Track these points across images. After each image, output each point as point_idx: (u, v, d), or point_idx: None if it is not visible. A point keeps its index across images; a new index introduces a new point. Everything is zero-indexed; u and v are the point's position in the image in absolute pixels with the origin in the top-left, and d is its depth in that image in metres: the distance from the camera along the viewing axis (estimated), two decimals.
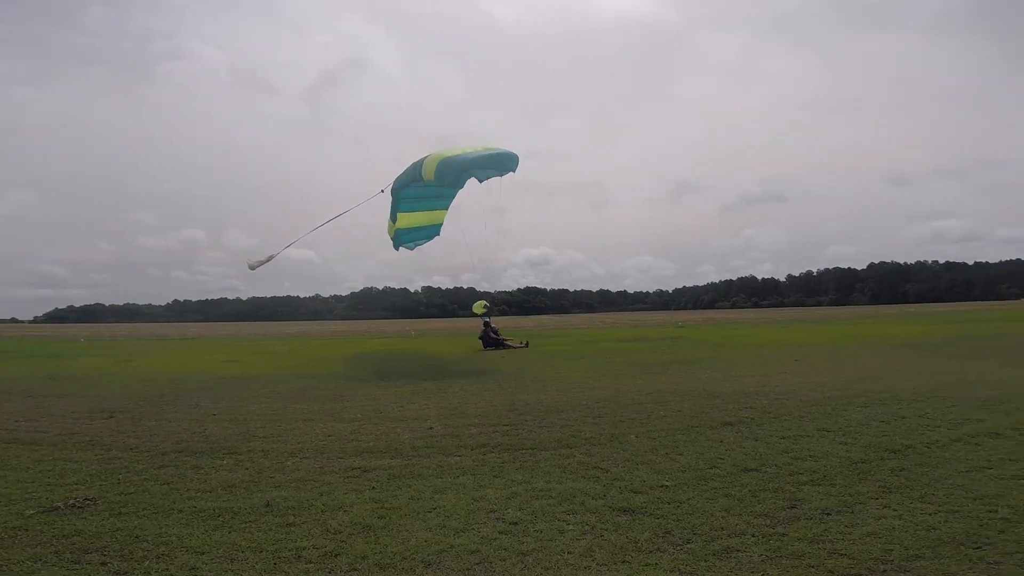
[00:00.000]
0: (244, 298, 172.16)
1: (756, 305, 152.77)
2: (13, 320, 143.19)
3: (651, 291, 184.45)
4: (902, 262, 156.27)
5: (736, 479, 5.54)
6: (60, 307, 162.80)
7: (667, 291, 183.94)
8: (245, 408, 10.60)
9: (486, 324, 24.88)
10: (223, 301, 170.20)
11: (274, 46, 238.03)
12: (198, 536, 4.50)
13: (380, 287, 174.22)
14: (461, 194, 19.00)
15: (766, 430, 7.60)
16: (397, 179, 19.65)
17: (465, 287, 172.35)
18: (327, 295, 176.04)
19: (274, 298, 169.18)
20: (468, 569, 3.80)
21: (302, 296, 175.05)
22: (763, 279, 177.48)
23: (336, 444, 7.58)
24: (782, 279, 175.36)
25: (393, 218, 22.07)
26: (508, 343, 24.41)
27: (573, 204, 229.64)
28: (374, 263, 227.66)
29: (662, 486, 5.38)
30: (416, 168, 18.49)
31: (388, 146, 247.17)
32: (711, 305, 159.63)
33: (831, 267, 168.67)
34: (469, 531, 4.44)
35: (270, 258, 21.94)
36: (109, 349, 31.32)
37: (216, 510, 5.09)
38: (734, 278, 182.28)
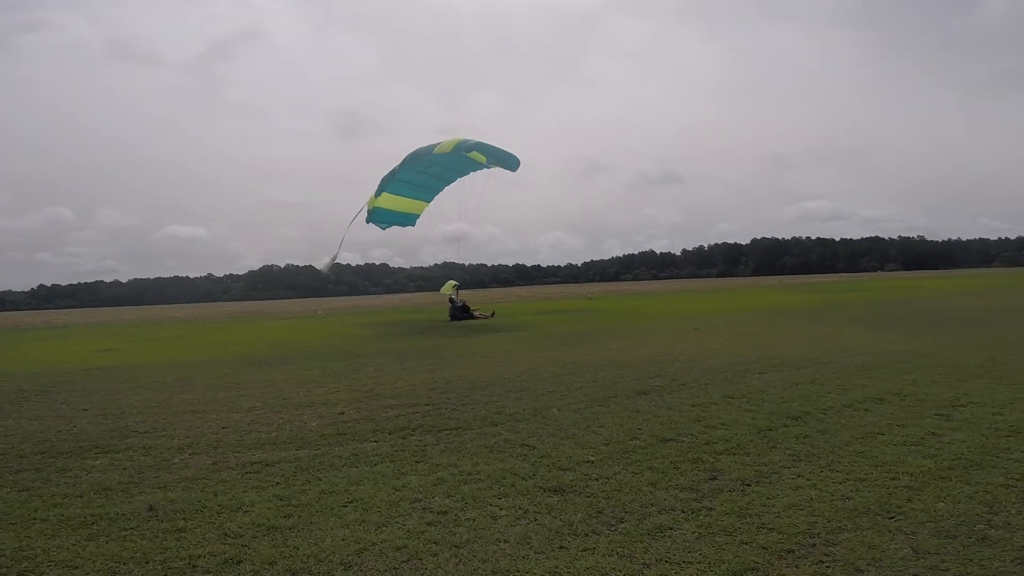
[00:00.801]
0: (124, 280, 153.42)
1: (655, 277, 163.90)
2: None
3: (562, 265, 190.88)
4: (780, 238, 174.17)
5: (656, 451, 5.63)
6: None
7: (576, 265, 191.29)
8: (122, 401, 9.27)
9: (452, 301, 25.93)
10: (99, 285, 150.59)
11: (158, 17, 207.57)
12: (68, 548, 3.86)
13: (282, 264, 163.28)
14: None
15: (677, 398, 7.91)
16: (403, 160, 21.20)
17: (377, 263, 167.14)
18: (221, 275, 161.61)
19: (159, 279, 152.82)
20: (395, 568, 3.45)
21: (192, 276, 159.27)
22: (661, 253, 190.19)
23: (232, 437, 6.78)
24: (678, 253, 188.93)
25: (377, 193, 22.70)
26: (476, 314, 25.32)
27: (489, 180, 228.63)
28: (273, 239, 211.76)
29: (588, 461, 5.35)
30: (427, 148, 20.52)
31: (289, 119, 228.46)
32: (615, 277, 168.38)
33: (720, 242, 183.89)
34: (392, 525, 4.07)
35: (335, 256, 21.44)
36: None
37: (89, 517, 4.39)
38: (636, 252, 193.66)
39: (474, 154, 19.90)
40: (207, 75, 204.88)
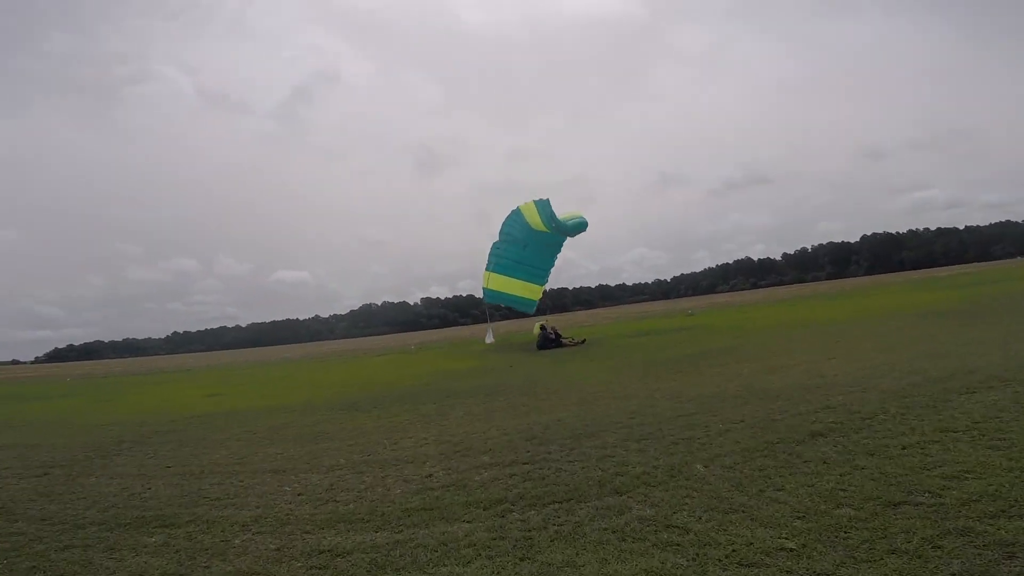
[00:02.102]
0: (244, 325, 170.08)
1: (755, 286, 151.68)
2: (14, 362, 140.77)
3: (650, 282, 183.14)
4: (895, 232, 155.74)
5: (888, 522, 3.71)
6: (60, 346, 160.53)
7: (665, 280, 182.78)
8: (207, 456, 8.71)
9: (543, 328, 25.14)
10: (223, 330, 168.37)
11: (241, 64, 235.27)
12: None
13: (378, 302, 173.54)
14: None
15: (871, 437, 5.75)
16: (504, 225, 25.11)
17: (464, 295, 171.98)
18: (326, 315, 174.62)
19: (273, 322, 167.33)
20: None
21: (301, 318, 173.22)
22: (759, 260, 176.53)
23: (306, 509, 5.69)
24: (778, 258, 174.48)
25: (488, 267, 26.15)
26: (565, 342, 24.23)
27: (560, 202, 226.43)
28: (368, 278, 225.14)
29: (785, 550, 3.52)
30: (519, 223, 24.66)
31: (369, 157, 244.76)
32: (711, 290, 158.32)
33: (824, 242, 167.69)
34: None
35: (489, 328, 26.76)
36: (93, 388, 29.18)
37: None
38: (730, 261, 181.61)
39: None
40: (292, 119, 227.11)
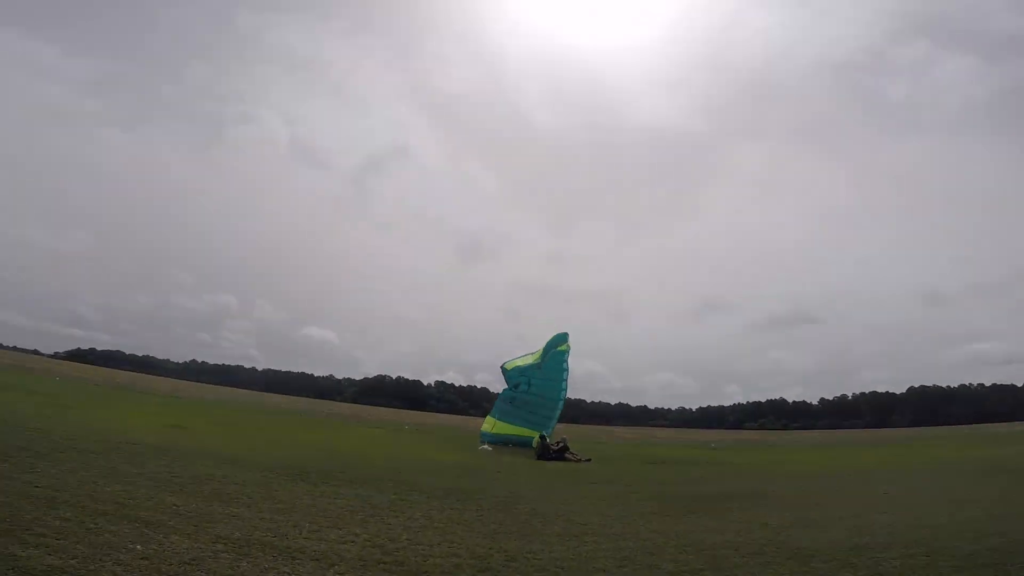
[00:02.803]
0: (260, 368, 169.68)
1: (786, 427, 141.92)
2: (35, 352, 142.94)
3: (673, 408, 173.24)
4: (945, 385, 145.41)
5: None
6: (83, 347, 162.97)
7: (690, 409, 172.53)
8: (100, 489, 7.10)
9: (543, 438, 22.93)
10: (239, 369, 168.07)
11: (332, 125, 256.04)
12: None
13: (393, 376, 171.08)
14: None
15: None
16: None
17: (479, 387, 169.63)
18: (340, 377, 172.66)
19: (288, 372, 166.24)
20: None
21: (316, 375, 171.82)
22: (794, 402, 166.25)
23: None
24: (814, 402, 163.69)
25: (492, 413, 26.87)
26: (568, 456, 21.53)
27: (594, 313, 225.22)
28: (391, 351, 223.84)
29: None
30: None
31: (416, 235, 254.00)
32: (737, 426, 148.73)
33: (867, 391, 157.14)
34: None
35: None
36: (68, 393, 27.71)
37: None
38: (762, 400, 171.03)
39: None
40: (360, 185, 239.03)
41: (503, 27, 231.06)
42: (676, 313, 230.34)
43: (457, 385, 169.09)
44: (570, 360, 26.52)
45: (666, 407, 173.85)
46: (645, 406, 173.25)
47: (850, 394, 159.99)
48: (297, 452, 15.28)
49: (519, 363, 26.52)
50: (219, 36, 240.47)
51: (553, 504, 10.46)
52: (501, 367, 26.87)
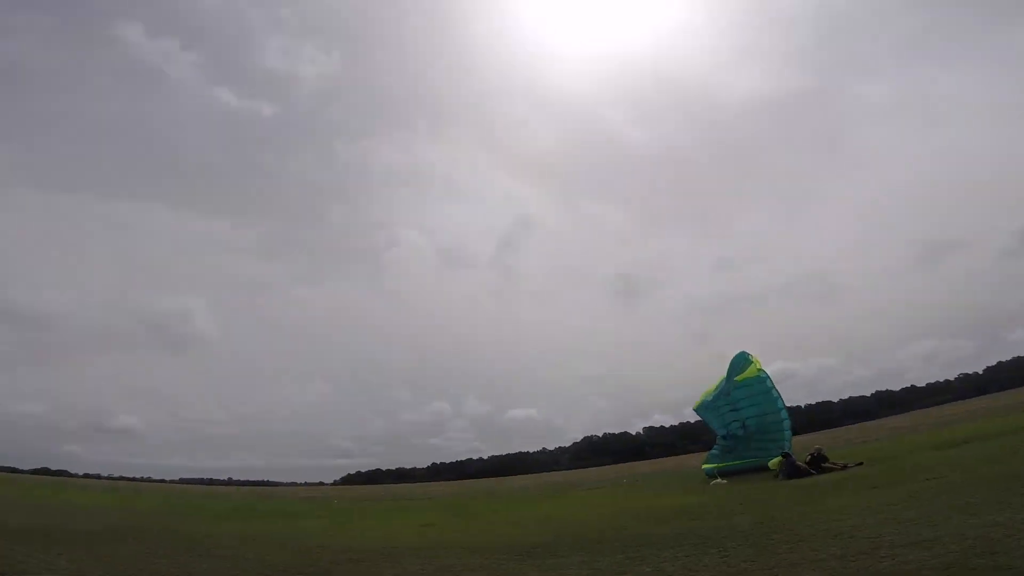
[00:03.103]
0: (486, 457, 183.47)
1: None
2: (320, 483, 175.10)
3: (952, 378, 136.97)
4: None
5: None
6: (351, 472, 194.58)
7: (975, 372, 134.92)
8: None
9: (786, 455, 19.79)
10: (469, 461, 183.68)
11: (459, 222, 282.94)
12: None
13: (600, 434, 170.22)
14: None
15: None
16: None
17: (692, 420, 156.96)
18: (552, 447, 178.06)
19: (508, 455, 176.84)
20: None
21: (531, 451, 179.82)
22: None
23: None
24: None
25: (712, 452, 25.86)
26: (830, 466, 18.44)
27: (795, 305, 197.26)
28: (589, 411, 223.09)
29: None
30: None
31: (570, 296, 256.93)
32: None
33: None
34: None
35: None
36: (345, 512, 32.31)
37: None
38: None
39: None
40: (504, 268, 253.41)
41: (559, 68, 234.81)
42: (897, 269, 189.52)
43: (667, 426, 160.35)
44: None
45: (943, 379, 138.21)
46: (913, 386, 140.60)
47: None
48: (524, 530, 15.30)
49: (707, 393, 24.65)
50: (333, 173, 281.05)
51: (821, 524, 8.52)
52: (695, 410, 25.57)
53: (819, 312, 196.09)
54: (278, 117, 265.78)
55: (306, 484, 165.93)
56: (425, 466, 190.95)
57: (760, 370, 23.65)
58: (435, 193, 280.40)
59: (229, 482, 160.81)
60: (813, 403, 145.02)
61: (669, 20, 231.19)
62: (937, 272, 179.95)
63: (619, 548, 9.43)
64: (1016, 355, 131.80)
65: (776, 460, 19.79)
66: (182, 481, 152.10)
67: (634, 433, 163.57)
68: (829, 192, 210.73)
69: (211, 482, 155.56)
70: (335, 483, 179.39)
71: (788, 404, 23.63)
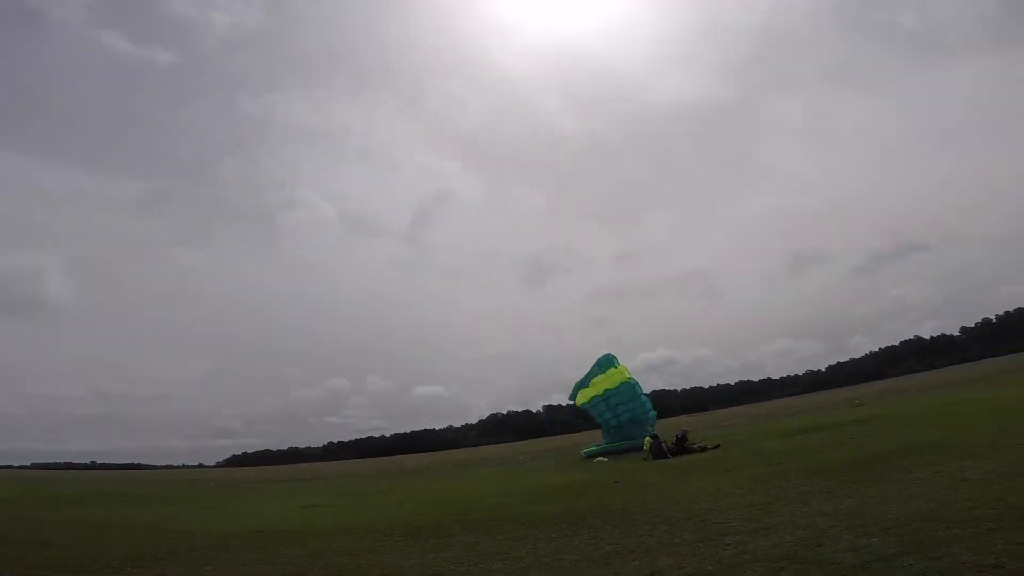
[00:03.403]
0: (388, 435, 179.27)
1: (931, 367, 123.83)
2: (200, 465, 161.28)
3: (800, 374, 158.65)
4: None
5: None
6: (237, 453, 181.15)
7: (819, 370, 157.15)
8: None
9: (654, 437, 21.59)
10: (370, 440, 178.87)
11: (371, 188, 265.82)
12: None
13: (504, 412, 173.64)
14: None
15: None
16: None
17: None
18: (459, 424, 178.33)
19: (413, 432, 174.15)
20: None
21: (437, 428, 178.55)
22: (932, 337, 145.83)
23: None
24: (955, 333, 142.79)
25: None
26: (692, 446, 20.19)
27: (682, 299, 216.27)
28: (495, 389, 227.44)
29: None
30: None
31: (483, 274, 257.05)
32: (878, 376, 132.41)
33: (1012, 310, 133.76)
34: None
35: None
36: (220, 496, 30.07)
37: None
38: (896, 343, 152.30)
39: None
40: (417, 241, 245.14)
41: (501, 47, 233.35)
42: (770, 276, 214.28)
43: (564, 405, 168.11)
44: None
45: (792, 373, 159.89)
46: (769, 378, 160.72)
47: (994, 316, 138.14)
48: (413, 509, 15.15)
49: (587, 395, 28.77)
50: (231, 127, 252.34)
51: (680, 505, 9.24)
52: (572, 403, 29.75)
53: (701, 307, 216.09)
54: (175, 66, 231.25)
55: (184, 467, 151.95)
56: (320, 445, 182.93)
57: (629, 378, 28.42)
58: (346, 156, 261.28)
59: (92, 466, 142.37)
60: (688, 388, 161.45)
61: (615, 15, 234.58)
62: (800, 280, 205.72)
63: (503, 528, 9.57)
64: (852, 357, 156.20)
65: (647, 440, 21.61)
66: (35, 467, 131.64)
67: (535, 411, 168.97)
68: (728, 199, 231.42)
69: (69, 467, 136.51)
70: (218, 465, 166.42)
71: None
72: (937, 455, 9.40)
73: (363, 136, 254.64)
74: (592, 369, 28.75)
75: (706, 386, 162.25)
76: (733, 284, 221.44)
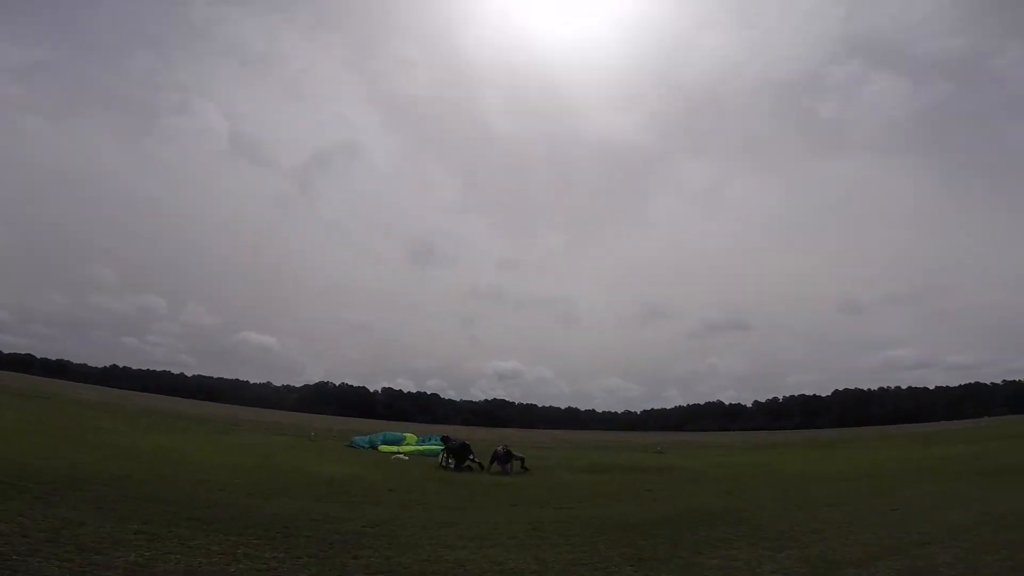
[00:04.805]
0: (189, 375, 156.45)
1: (723, 428, 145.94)
2: None
3: (619, 412, 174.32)
4: (865, 388, 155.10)
5: None
6: None
7: (635, 412, 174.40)
8: None
9: (446, 440, 19.79)
10: (165, 374, 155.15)
11: (283, 123, 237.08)
12: None
13: (337, 383, 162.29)
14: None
15: None
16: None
17: (429, 392, 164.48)
18: (279, 384, 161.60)
19: (220, 379, 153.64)
20: None
21: (252, 382, 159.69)
22: (730, 404, 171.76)
23: None
24: (748, 404, 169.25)
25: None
26: (471, 464, 18.17)
27: (545, 319, 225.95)
28: (337, 358, 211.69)
29: None
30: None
31: (370, 239, 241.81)
32: (679, 427, 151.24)
33: (796, 394, 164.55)
34: None
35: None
36: None
37: None
38: (701, 402, 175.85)
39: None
40: (306, 184, 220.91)
41: (470, 33, 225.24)
42: (623, 319, 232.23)
43: (407, 391, 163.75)
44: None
45: (613, 410, 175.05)
46: (593, 410, 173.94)
47: (781, 396, 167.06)
48: (98, 459, 10.92)
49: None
50: (170, 27, 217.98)
51: (437, 533, 6.86)
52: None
53: (557, 330, 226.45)
54: None
55: None
56: (100, 366, 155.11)
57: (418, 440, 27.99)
58: (268, 85, 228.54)
59: None
60: (524, 403, 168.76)
61: (583, 36, 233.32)
62: (644, 329, 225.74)
63: (164, 519, 6.31)
64: (664, 407, 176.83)
65: (440, 448, 19.52)
66: None
67: (372, 390, 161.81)
68: (614, 238, 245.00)
69: None
70: None
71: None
72: (729, 530, 8.27)
73: (297, 72, 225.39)
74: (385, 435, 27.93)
75: (539, 405, 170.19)
76: (589, 317, 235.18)
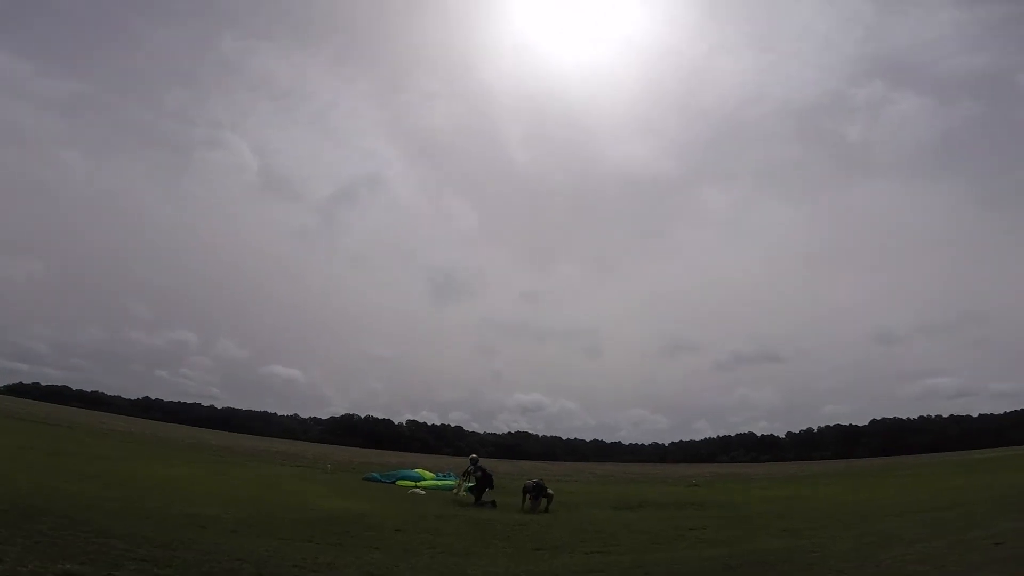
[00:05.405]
0: (220, 407, 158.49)
1: (755, 460, 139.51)
2: None
3: (646, 444, 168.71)
4: (905, 417, 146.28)
5: None
6: (26, 382, 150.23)
7: (663, 444, 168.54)
8: None
9: (477, 466, 18.01)
10: (196, 406, 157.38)
11: (307, 154, 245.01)
12: None
13: (362, 415, 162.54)
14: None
15: None
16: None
17: (453, 425, 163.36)
18: (306, 416, 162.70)
19: (249, 411, 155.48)
20: None
21: (279, 414, 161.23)
22: (762, 435, 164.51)
23: None
24: (781, 435, 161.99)
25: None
26: (486, 500, 17.01)
27: (567, 351, 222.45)
28: (362, 390, 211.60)
29: None
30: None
31: (392, 272, 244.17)
32: (710, 459, 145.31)
33: (831, 424, 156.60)
34: None
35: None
36: None
37: None
38: (732, 434, 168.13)
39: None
40: (331, 218, 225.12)
41: (490, 65, 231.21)
42: (648, 351, 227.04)
43: (430, 424, 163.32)
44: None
45: (640, 443, 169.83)
46: (619, 442, 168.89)
47: (815, 427, 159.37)
48: (82, 489, 10.06)
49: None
50: (202, 61, 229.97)
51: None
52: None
53: (581, 362, 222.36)
54: None
55: None
56: (133, 398, 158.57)
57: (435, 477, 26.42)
58: (295, 119, 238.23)
59: None
60: (549, 435, 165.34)
61: (601, 66, 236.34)
62: (671, 362, 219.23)
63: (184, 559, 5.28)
64: (693, 439, 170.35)
65: (464, 484, 18.06)
66: None
67: (398, 423, 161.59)
68: (637, 270, 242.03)
69: None
70: None
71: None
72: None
73: (324, 106, 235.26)
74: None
75: (564, 437, 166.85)
76: (614, 349, 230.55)
